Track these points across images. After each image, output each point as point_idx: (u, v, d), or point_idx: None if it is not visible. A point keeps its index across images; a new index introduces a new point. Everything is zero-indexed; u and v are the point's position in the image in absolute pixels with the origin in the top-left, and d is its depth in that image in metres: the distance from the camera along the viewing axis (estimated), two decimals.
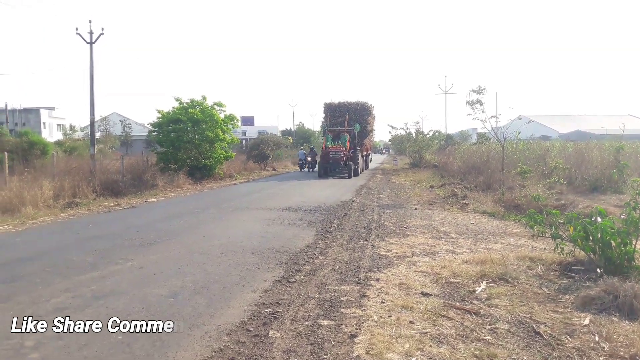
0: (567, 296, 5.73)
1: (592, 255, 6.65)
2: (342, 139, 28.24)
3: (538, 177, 15.91)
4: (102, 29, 23.95)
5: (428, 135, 35.70)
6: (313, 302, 5.30)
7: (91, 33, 23.55)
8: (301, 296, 5.50)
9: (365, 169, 34.71)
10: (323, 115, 33.19)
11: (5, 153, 18.22)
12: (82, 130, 70.43)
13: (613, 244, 6.22)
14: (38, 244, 8.61)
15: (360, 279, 6.25)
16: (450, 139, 44.87)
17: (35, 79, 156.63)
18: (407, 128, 36.03)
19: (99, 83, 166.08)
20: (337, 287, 5.87)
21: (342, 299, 5.42)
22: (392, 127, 37.97)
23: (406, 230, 10.19)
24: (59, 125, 66.66)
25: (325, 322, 4.68)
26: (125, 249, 7.83)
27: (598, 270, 6.31)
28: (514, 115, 19.72)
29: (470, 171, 22.03)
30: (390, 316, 4.88)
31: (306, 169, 33.13)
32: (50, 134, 60.01)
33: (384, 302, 5.33)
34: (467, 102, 17.25)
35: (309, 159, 33.18)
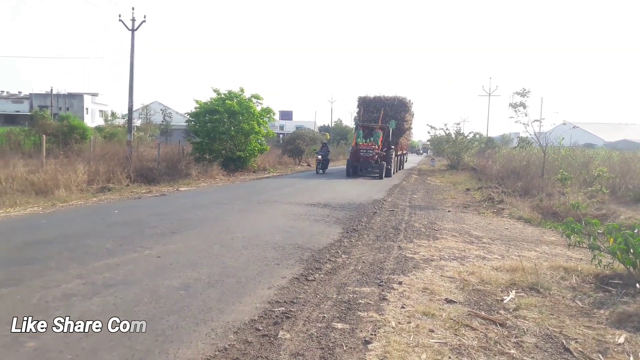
0: (601, 311, 5.33)
1: (631, 269, 6.21)
2: (374, 136, 25.57)
3: (579, 185, 15.18)
4: (144, 17, 24.28)
5: (468, 137, 34.72)
6: (329, 302, 5.09)
7: (133, 20, 23.91)
8: (318, 296, 5.29)
9: (400, 169, 32.70)
10: (356, 110, 30.74)
11: (44, 136, 18.75)
12: (123, 117, 72.33)
13: None
14: (61, 227, 8.70)
15: (382, 281, 6.00)
16: (491, 142, 43.65)
17: (82, 65, 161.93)
18: (446, 129, 35.10)
19: (142, 72, 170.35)
20: (356, 289, 5.64)
21: (360, 301, 5.18)
22: (432, 127, 37.04)
23: (436, 232, 9.84)
24: (101, 111, 68.48)
25: (340, 325, 4.46)
26: (146, 237, 7.80)
27: (637, 285, 5.86)
28: (559, 120, 19.15)
29: (509, 175, 21.30)
30: (409, 323, 4.62)
31: (317, 170, 26.72)
32: (93, 120, 61.87)
33: (404, 307, 5.06)
34: (510, 104, 16.68)
35: (319, 157, 26.87)
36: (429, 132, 38.60)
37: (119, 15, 24.11)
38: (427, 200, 15.86)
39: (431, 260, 7.42)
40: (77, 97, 66.05)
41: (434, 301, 5.37)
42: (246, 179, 22.10)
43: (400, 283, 5.94)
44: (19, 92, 69.64)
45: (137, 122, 68.92)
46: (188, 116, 26.06)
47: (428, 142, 58.57)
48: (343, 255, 7.32)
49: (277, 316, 4.56)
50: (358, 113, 30.02)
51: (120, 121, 64.80)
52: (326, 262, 6.80)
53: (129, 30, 24.05)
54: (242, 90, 25.50)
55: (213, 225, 9.16)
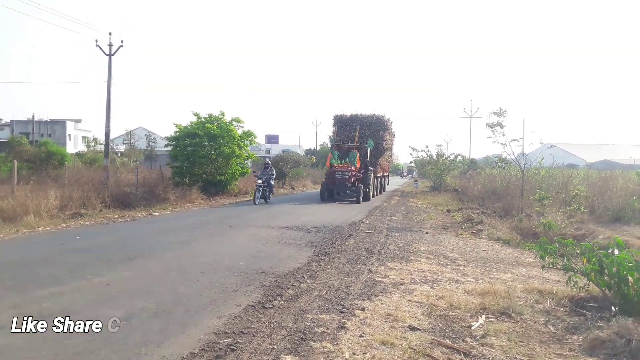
0: (575, 337, 5.05)
1: (606, 292, 5.96)
2: (351, 157, 23.79)
3: (559, 205, 15.04)
4: (122, 42, 24.15)
5: (449, 158, 34.74)
6: (283, 332, 4.73)
7: (110, 45, 23.77)
8: (272, 325, 4.94)
9: (381, 192, 31.28)
10: (332, 129, 28.48)
11: (15, 162, 18.28)
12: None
13: (630, 279, 5.52)
14: (14, 254, 8.24)
15: (344, 308, 5.66)
16: (474, 164, 43.82)
17: (64, 91, 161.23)
18: (427, 150, 35.08)
19: (126, 97, 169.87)
20: (315, 316, 5.29)
21: (316, 330, 4.83)
22: (414, 149, 36.53)
23: (411, 255, 9.54)
24: (84, 137, 67.86)
25: (288, 358, 4.10)
26: (101, 263, 7.39)
27: (613, 308, 5.61)
28: (536, 139, 18.97)
29: (490, 196, 21.20)
30: (365, 353, 4.28)
31: (255, 200, 20.37)
32: (75, 146, 61.10)
33: (362, 336, 4.72)
34: (487, 124, 16.59)
35: (259, 182, 20.90)
36: (411, 154, 38.35)
37: (96, 41, 23.94)
38: (406, 222, 15.60)
39: (401, 284, 7.11)
40: (60, 124, 65.43)
41: (396, 329, 5.04)
42: (225, 202, 21.70)
43: (363, 309, 5.61)
44: (0, 119, 68.90)
45: (121, 148, 68.51)
46: (167, 140, 25.74)
47: (413, 164, 58.44)
48: (309, 280, 6.98)
49: (220, 349, 4.20)
50: (334, 132, 28.10)
51: (100, 147, 64.28)
52: (289, 288, 6.45)
53: (106, 55, 23.88)
54: (222, 113, 25.26)
55: (176, 251, 8.77)
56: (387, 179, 35.97)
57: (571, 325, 5.42)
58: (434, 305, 6.04)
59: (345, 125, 27.39)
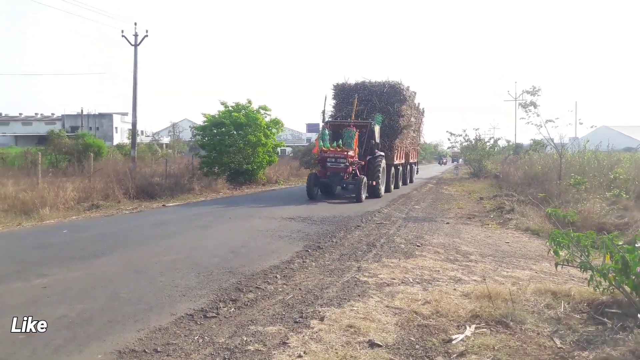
0: (585, 353, 4.04)
1: (633, 295, 4.83)
2: (346, 138, 17.37)
3: (601, 190, 13.49)
4: (147, 31, 23.97)
5: (489, 143, 32.77)
6: (207, 350, 3.94)
7: (136, 35, 23.63)
8: (200, 341, 4.15)
9: (405, 183, 24.90)
10: (332, 102, 21.78)
11: (39, 154, 18.40)
12: (153, 135, 73.46)
13: None
14: None
15: (302, 316, 4.80)
16: (520, 149, 41.43)
17: (111, 84, 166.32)
18: (465, 135, 33.14)
19: (171, 89, 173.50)
20: (260, 328, 4.46)
21: (249, 347, 4.01)
22: (451, 134, 34.41)
23: (417, 249, 8.54)
24: (129, 130, 69.58)
25: None
26: (58, 261, 6.83)
27: (639, 315, 4.51)
28: (587, 121, 17.39)
29: (530, 182, 19.65)
30: None
31: None
32: (122, 138, 62.70)
33: (300, 357, 3.86)
34: (520, 104, 15.18)
35: None
36: (449, 139, 36.33)
37: (122, 31, 23.86)
38: (429, 211, 14.46)
39: (388, 284, 6.17)
40: (107, 117, 67.30)
41: (351, 345, 4.14)
42: (250, 192, 21.15)
43: (322, 319, 4.73)
44: (52, 114, 71.61)
45: (166, 140, 69.85)
46: (195, 130, 25.50)
47: (457, 150, 55.70)
48: (280, 281, 6.15)
49: None
50: (334, 106, 21.58)
51: (146, 139, 65.70)
52: (250, 292, 5.64)
53: (132, 45, 23.77)
54: (249, 102, 24.73)
55: (152, 246, 8.16)
56: (414, 168, 28.70)
57: (583, 338, 4.38)
58: (415, 312, 5.09)
59: (348, 97, 20.76)
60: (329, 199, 16.84)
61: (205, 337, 4.21)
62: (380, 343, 4.19)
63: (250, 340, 4.16)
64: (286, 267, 6.86)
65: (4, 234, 9.48)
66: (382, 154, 19.00)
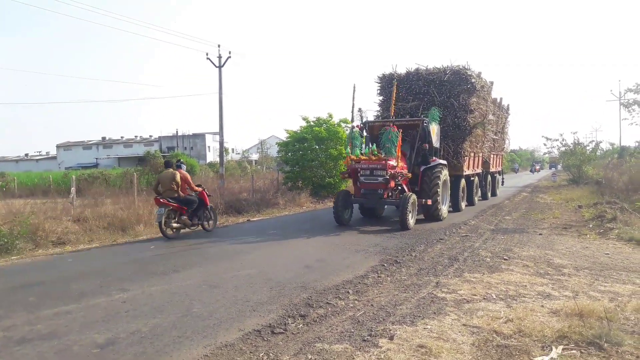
0: None
1: None
2: (384, 140, 12.80)
3: None
4: (230, 52, 25.12)
5: (589, 147, 30.24)
6: None
7: (220, 57, 24.82)
8: (264, 358, 4.12)
9: (486, 198, 20.71)
10: (379, 99, 17.64)
11: (135, 174, 19.78)
12: (243, 152, 76.63)
13: None
14: (82, 265, 8.38)
15: (371, 334, 4.62)
16: (625, 152, 37.88)
17: (205, 105, 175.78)
18: (563, 139, 30.81)
19: (256, 107, 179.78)
20: (327, 346, 4.35)
21: None
22: (547, 139, 31.92)
23: (503, 263, 8.01)
24: None
25: None
26: (141, 275, 7.18)
27: None
28: None
29: (638, 188, 17.85)
30: None
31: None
32: (214, 157, 65.93)
33: None
34: (622, 103, 13.86)
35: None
36: (544, 144, 33.89)
37: (206, 54, 25.20)
38: (520, 222, 13.57)
39: (468, 301, 5.80)
40: (200, 137, 71.21)
41: None
42: (332, 205, 21.18)
43: (392, 338, 4.52)
44: (150, 136, 77.12)
45: (255, 156, 72.53)
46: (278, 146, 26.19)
47: (556, 156, 51.56)
48: (352, 297, 6.00)
49: None
50: (381, 104, 17.43)
51: (236, 157, 68.61)
52: (320, 307, 5.55)
53: (216, 67, 25.03)
54: (330, 116, 24.99)
55: (230, 260, 8.33)
56: (497, 178, 23.64)
57: None
58: (495, 331, 4.72)
59: (399, 90, 16.31)
60: (366, 225, 13.14)
61: (270, 354, 4.17)
62: None
63: (315, 359, 4.05)
64: (359, 282, 6.70)
65: (98, 249, 10.18)
66: (444, 162, 14.41)
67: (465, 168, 16.16)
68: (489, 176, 21.32)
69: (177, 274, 7.29)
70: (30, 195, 17.48)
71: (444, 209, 14.05)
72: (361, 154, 12.71)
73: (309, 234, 11.37)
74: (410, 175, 13.18)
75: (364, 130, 14.22)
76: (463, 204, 16.65)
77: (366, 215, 14.69)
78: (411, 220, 12.04)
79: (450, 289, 6.32)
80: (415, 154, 13.76)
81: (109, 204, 14.95)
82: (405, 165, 13.11)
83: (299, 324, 4.97)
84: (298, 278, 6.90)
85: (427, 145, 13.60)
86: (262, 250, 9.55)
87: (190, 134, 70.99)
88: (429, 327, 4.85)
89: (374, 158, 12.36)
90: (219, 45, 25.51)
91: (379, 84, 17.41)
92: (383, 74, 17.26)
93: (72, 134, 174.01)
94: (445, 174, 14.07)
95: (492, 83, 18.91)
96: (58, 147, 75.86)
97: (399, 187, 12.87)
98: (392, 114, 14.92)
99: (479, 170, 18.84)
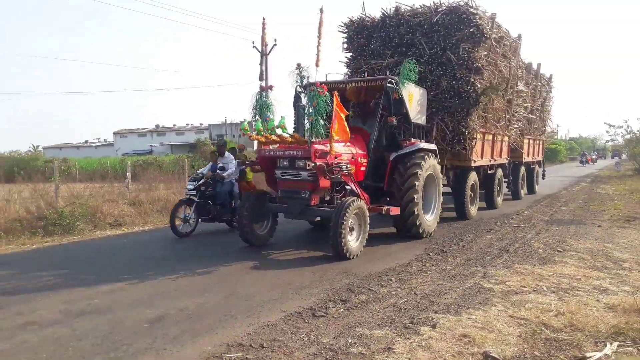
0: None
1: None
2: (306, 110, 7.92)
3: None
4: (275, 40, 25.27)
5: None
6: (310, 350, 3.91)
7: (265, 45, 25.02)
8: (305, 339, 4.14)
9: (518, 197, 15.96)
10: (347, 56, 12.29)
11: (186, 160, 20.35)
12: None
13: None
14: (133, 248, 8.72)
15: (413, 322, 4.56)
16: None
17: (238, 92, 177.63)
18: (627, 126, 28.94)
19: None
20: (367, 331, 4.32)
21: (352, 349, 3.89)
22: (610, 126, 30.05)
23: (557, 254, 7.69)
24: None
25: None
26: (191, 258, 7.40)
27: None
28: None
29: None
30: None
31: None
32: None
33: None
34: None
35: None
36: (607, 132, 31.97)
37: (252, 42, 25.54)
38: (577, 213, 12.97)
39: (516, 292, 5.61)
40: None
41: (463, 355, 3.81)
42: None
43: (434, 326, 4.43)
44: (200, 124, 79.04)
45: None
46: None
47: (621, 144, 47.38)
48: (394, 284, 5.93)
49: None
50: (348, 63, 12.15)
51: None
52: (362, 293, 5.52)
53: (262, 54, 25.26)
54: None
55: (274, 244, 8.43)
56: (534, 171, 18.06)
57: None
58: (544, 324, 4.55)
59: (371, 42, 11.59)
60: (271, 250, 8.20)
61: (311, 336, 4.20)
62: (497, 356, 3.79)
63: (355, 343, 4.04)
64: (403, 270, 6.61)
65: (152, 232, 10.58)
66: (430, 146, 9.52)
67: (474, 156, 11.10)
68: (522, 168, 16.25)
69: (224, 257, 7.46)
70: (89, 179, 17.91)
71: (429, 218, 9.17)
72: (263, 129, 7.56)
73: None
74: (361, 163, 8.35)
75: (301, 98, 8.99)
76: (473, 209, 11.83)
77: (247, 236, 8.08)
78: (354, 245, 7.20)
79: (499, 280, 6.13)
80: (377, 134, 8.84)
81: (161, 189, 15.48)
82: (360, 152, 8.36)
83: (340, 308, 4.97)
84: (340, 264, 6.90)
85: (393, 119, 8.48)
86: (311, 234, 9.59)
87: (238, 122, 72.19)
88: (473, 317, 4.72)
89: (289, 141, 7.65)
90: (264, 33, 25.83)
91: (345, 35, 12.08)
92: (350, 20, 11.97)
93: (128, 122, 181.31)
94: (431, 165, 9.13)
95: (519, 37, 13.69)
96: (115, 134, 79.05)
97: (346, 188, 7.92)
98: (318, 62, 7.98)
99: (503, 160, 13.56)
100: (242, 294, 5.26)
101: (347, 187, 7.90)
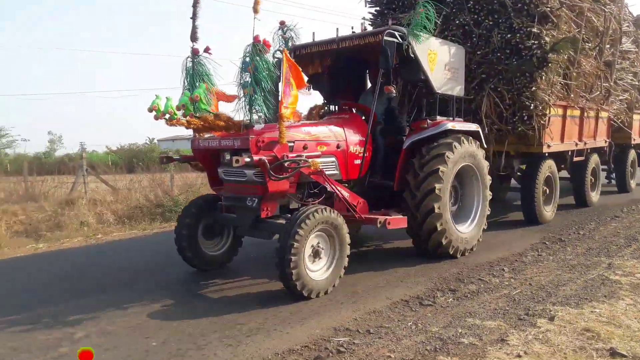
0: None
1: None
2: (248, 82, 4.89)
3: None
4: (352, 28, 24.81)
5: None
6: (419, 338, 3.85)
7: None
8: (413, 327, 4.08)
9: (624, 189, 12.63)
10: (369, 8, 9.21)
11: None
12: None
13: None
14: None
15: (528, 314, 4.31)
16: None
17: None
18: None
19: None
20: (478, 322, 4.16)
21: (463, 340, 3.77)
22: None
23: None
24: None
25: None
26: None
27: None
28: None
29: None
30: None
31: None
32: None
33: (519, 357, 3.46)
34: None
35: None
36: None
37: (351, 28, 25.33)
38: None
39: None
40: None
41: (585, 351, 3.54)
42: None
43: (552, 318, 4.15)
44: None
45: None
46: None
47: None
48: (507, 274, 5.64)
49: (326, 348, 3.65)
50: (374, 19, 9.09)
51: None
52: (472, 283, 5.32)
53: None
54: None
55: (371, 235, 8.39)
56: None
57: None
58: None
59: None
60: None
61: (419, 324, 4.13)
62: (625, 353, 3.47)
63: (466, 333, 3.91)
64: (516, 260, 6.26)
65: None
66: (466, 126, 6.77)
67: (548, 139, 8.26)
68: (632, 152, 12.66)
69: None
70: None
71: (466, 232, 6.53)
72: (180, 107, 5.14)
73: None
74: (345, 160, 5.84)
75: (282, 65, 4.96)
76: (549, 210, 8.85)
77: (190, 253, 5.85)
78: (319, 278, 4.88)
79: (626, 272, 5.59)
80: (381, 112, 6.58)
81: None
82: (356, 138, 5.98)
83: (449, 298, 4.83)
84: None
85: (391, 88, 6.17)
86: None
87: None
88: (597, 310, 4.35)
89: (213, 120, 5.19)
90: (363, 18, 25.59)
91: None
92: None
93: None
94: (466, 154, 6.43)
95: None
96: None
97: (314, 191, 5.56)
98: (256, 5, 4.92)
99: (599, 143, 10.45)
100: (348, 281, 5.29)
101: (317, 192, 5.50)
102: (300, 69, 4.98)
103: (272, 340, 3.82)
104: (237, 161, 4.57)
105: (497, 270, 5.78)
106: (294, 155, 5.05)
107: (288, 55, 4.96)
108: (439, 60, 6.37)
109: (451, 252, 6.18)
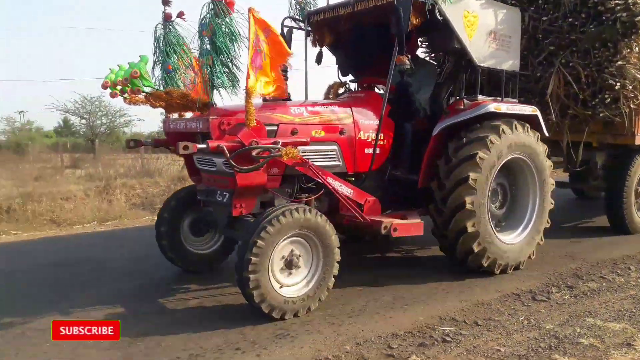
0: None
1: None
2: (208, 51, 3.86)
3: None
4: None
5: None
6: (532, 334, 3.62)
7: None
8: (525, 322, 3.85)
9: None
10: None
11: None
12: None
13: None
14: None
15: None
16: None
17: None
18: None
19: None
20: (600, 322, 3.83)
21: (582, 340, 3.48)
22: None
23: None
24: None
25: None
26: None
27: None
28: None
29: None
30: None
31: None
32: None
33: None
34: None
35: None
36: None
37: None
38: None
39: None
40: None
41: None
42: None
43: None
44: None
45: None
46: None
47: None
48: (633, 274, 5.12)
49: (431, 337, 3.55)
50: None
51: None
52: (592, 280, 4.90)
53: None
54: None
55: None
56: None
57: None
58: None
59: None
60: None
61: (531, 320, 3.89)
62: None
63: (585, 333, 3.61)
64: None
65: None
66: (517, 109, 5.27)
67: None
68: None
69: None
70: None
71: (513, 243, 5.22)
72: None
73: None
74: (350, 148, 4.73)
75: (249, 27, 3.82)
76: None
77: (173, 254, 5.07)
78: (291, 295, 3.88)
79: None
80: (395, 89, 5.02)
81: None
82: (367, 122, 4.87)
83: (565, 295, 4.49)
84: (564, 246, 6.23)
85: (404, 58, 4.45)
86: None
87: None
88: None
89: (175, 93, 4.08)
90: None
91: None
92: None
93: None
94: (516, 144, 5.04)
95: None
96: None
97: (310, 186, 4.56)
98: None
99: None
100: (456, 270, 5.09)
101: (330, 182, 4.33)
102: (283, 40, 3.99)
103: (376, 324, 3.79)
104: (185, 147, 3.56)
105: (622, 269, 5.27)
106: (272, 141, 3.89)
107: (256, 14, 3.75)
108: (481, 25, 5.01)
109: (486, 265, 4.85)
